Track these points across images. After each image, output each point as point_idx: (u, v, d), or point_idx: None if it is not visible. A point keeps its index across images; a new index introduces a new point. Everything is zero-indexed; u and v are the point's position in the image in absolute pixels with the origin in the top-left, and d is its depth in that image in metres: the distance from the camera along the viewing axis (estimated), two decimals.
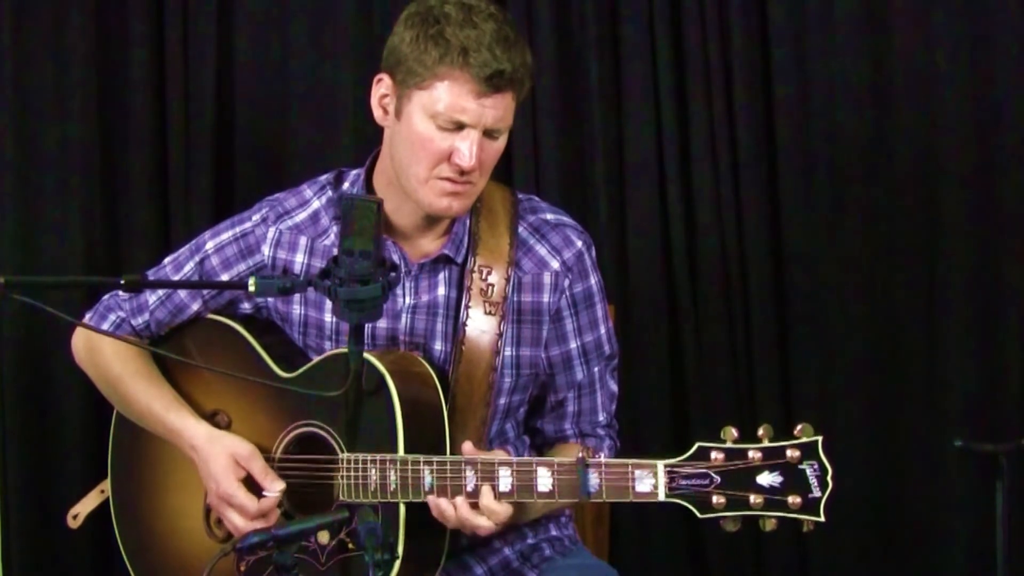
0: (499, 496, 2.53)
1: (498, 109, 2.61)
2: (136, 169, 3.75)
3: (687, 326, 3.71)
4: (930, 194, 3.68)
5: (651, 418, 3.68)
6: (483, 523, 2.55)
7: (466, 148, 2.61)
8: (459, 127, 2.61)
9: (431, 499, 2.56)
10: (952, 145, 3.66)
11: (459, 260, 2.75)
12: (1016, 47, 3.63)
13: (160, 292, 2.83)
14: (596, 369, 2.83)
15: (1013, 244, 3.62)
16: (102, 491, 2.96)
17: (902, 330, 3.68)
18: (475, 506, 2.55)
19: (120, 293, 2.86)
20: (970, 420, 3.60)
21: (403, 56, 2.63)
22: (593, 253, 2.82)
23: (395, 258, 2.74)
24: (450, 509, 2.55)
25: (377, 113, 2.71)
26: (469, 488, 2.56)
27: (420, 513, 2.61)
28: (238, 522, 2.70)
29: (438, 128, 2.61)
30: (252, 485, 2.71)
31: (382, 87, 2.69)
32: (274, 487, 2.69)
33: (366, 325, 2.69)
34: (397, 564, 2.55)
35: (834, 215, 3.71)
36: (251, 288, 2.47)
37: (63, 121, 3.72)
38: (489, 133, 2.63)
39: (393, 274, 2.47)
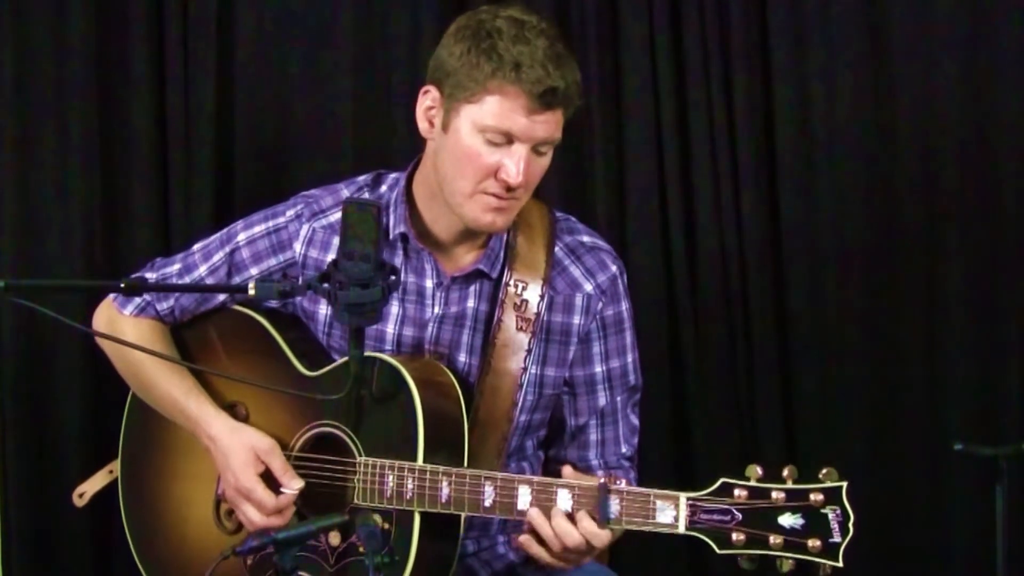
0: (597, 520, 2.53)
1: (549, 125, 2.60)
2: (136, 169, 3.74)
3: (687, 329, 3.70)
4: (930, 195, 3.67)
5: (650, 422, 3.66)
6: (578, 539, 2.53)
7: (514, 164, 2.59)
8: (508, 142, 2.59)
9: (532, 511, 2.55)
10: (952, 146, 3.65)
11: (493, 275, 2.75)
12: (1016, 47, 3.63)
13: (186, 278, 2.82)
14: (619, 398, 2.83)
15: (1013, 245, 3.62)
16: (111, 471, 2.97)
17: (902, 333, 3.68)
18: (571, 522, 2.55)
19: (146, 275, 2.85)
20: (970, 423, 3.60)
21: (453, 69, 2.61)
22: (625, 279, 2.82)
23: (428, 269, 2.73)
24: (544, 524, 2.54)
25: (423, 125, 2.69)
26: (487, 503, 2.57)
27: (433, 520, 2.61)
28: (254, 517, 2.70)
29: (486, 142, 2.60)
30: (269, 480, 2.71)
31: (428, 99, 2.67)
32: (292, 485, 2.69)
33: (391, 331, 2.70)
34: (409, 568, 2.55)
35: (834, 216, 3.70)
36: (251, 292, 2.47)
37: (63, 121, 3.72)
38: (536, 149, 2.62)
39: (393, 278, 2.47)
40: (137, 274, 2.88)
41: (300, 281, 2.58)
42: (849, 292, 3.70)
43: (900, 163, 3.68)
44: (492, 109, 2.58)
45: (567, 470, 2.60)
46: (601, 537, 2.53)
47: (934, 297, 3.67)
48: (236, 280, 2.80)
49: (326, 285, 2.46)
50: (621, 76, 3.74)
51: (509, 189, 2.61)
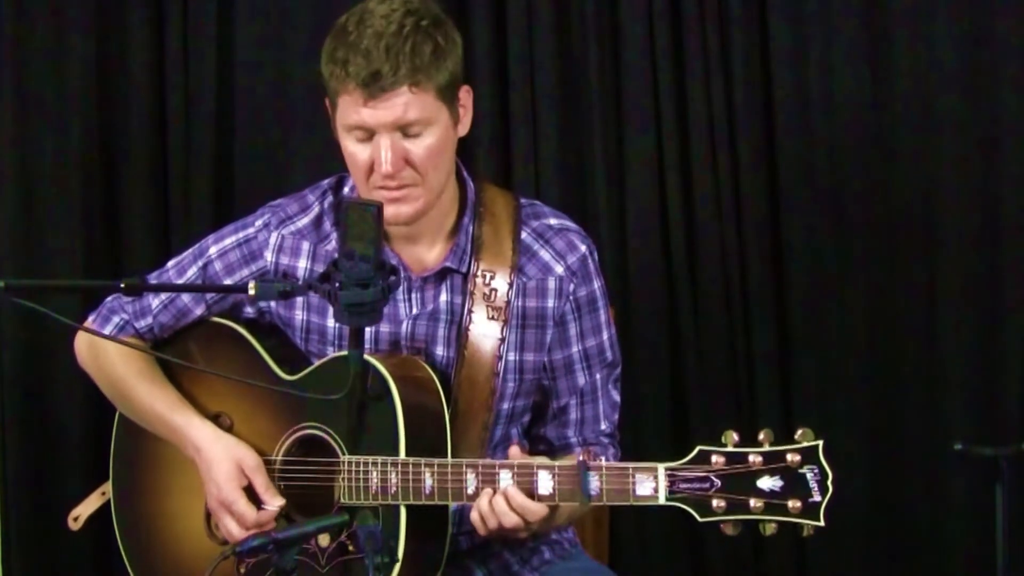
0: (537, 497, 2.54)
1: (396, 108, 2.59)
2: (136, 169, 3.75)
3: (687, 327, 3.71)
4: (930, 195, 3.68)
5: (651, 419, 3.68)
6: (514, 519, 2.55)
7: (381, 154, 2.61)
8: (370, 136, 2.62)
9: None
10: (952, 145, 3.66)
11: (463, 269, 2.75)
12: (1016, 47, 3.63)
13: (163, 296, 2.83)
14: (598, 376, 2.83)
15: (1013, 246, 3.62)
16: (103, 493, 2.96)
17: (902, 332, 3.68)
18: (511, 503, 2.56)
19: (123, 295, 2.86)
20: (970, 423, 3.61)
21: (322, 78, 2.67)
22: (596, 257, 2.82)
23: (395, 264, 2.73)
24: (484, 502, 2.56)
25: (336, 135, 2.72)
26: (470, 491, 2.57)
27: (421, 516, 2.61)
28: (234, 530, 2.71)
29: (356, 141, 2.64)
30: (252, 495, 2.71)
31: (329, 108, 2.71)
32: (274, 503, 2.70)
33: (369, 330, 2.70)
34: (397, 567, 2.56)
35: (834, 215, 3.71)
36: (251, 291, 2.47)
37: (63, 121, 3.72)
38: (404, 132, 2.62)
39: (393, 277, 2.47)
40: (113, 296, 2.88)
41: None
42: (849, 292, 3.70)
43: (899, 162, 3.68)
44: (342, 110, 2.63)
45: (513, 450, 2.60)
46: (535, 512, 2.54)
47: (934, 297, 3.67)
48: (210, 294, 2.81)
49: (326, 285, 2.45)
50: (621, 76, 3.74)
51: (392, 178, 2.62)
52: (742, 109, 3.71)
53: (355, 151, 2.64)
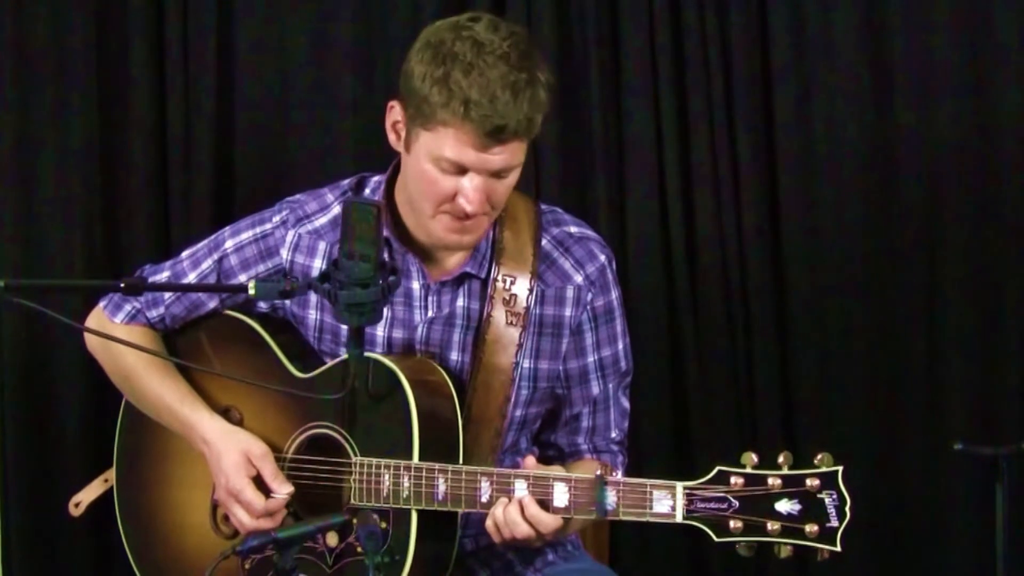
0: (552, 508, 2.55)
1: (504, 155, 2.57)
2: (136, 169, 3.75)
3: (687, 328, 3.70)
4: (930, 194, 3.68)
5: (650, 419, 3.67)
6: (526, 530, 2.55)
7: (470, 194, 2.58)
8: (463, 172, 2.58)
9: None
10: (952, 145, 3.66)
11: (482, 275, 2.74)
12: (1016, 47, 3.63)
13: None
14: (611, 385, 2.83)
15: (1013, 246, 3.62)
16: (105, 480, 2.97)
17: (902, 333, 3.68)
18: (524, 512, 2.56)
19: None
20: (970, 423, 3.61)
21: (412, 91, 2.59)
22: (614, 267, 2.81)
23: (413, 271, 2.73)
24: (500, 511, 2.56)
25: (391, 138, 2.68)
26: (484, 499, 2.57)
27: (431, 519, 2.61)
28: (244, 519, 2.71)
29: (442, 172, 2.59)
30: (261, 485, 2.71)
31: (395, 114, 2.66)
32: (282, 490, 2.69)
33: (380, 333, 2.71)
34: (407, 567, 2.56)
35: (834, 215, 3.71)
36: (251, 292, 2.47)
37: (63, 121, 3.72)
38: (496, 175, 2.60)
39: (393, 277, 2.46)
40: None
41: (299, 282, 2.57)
42: (849, 292, 3.70)
43: (900, 163, 3.68)
44: (444, 141, 2.56)
45: (529, 460, 2.60)
46: (548, 524, 2.54)
47: (934, 297, 3.67)
48: None
49: (326, 285, 2.45)
50: (621, 76, 3.74)
51: (467, 216, 2.61)
52: (742, 109, 3.71)
53: (437, 179, 2.60)
